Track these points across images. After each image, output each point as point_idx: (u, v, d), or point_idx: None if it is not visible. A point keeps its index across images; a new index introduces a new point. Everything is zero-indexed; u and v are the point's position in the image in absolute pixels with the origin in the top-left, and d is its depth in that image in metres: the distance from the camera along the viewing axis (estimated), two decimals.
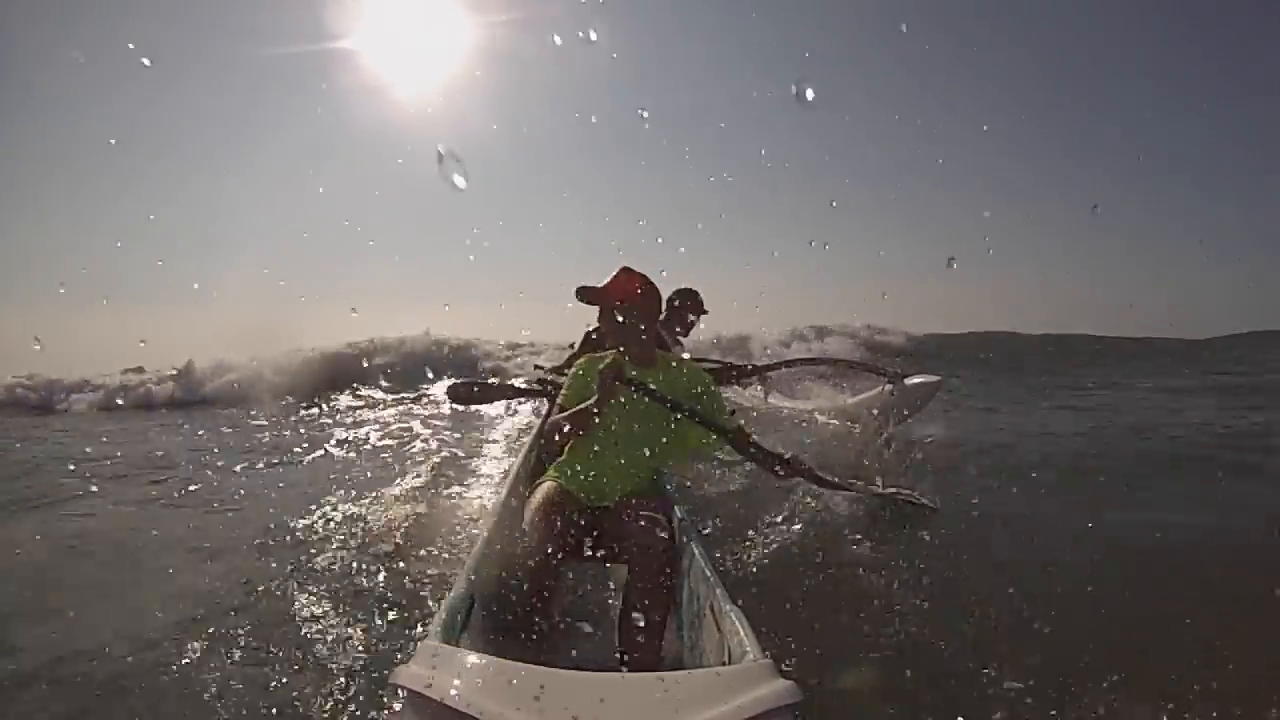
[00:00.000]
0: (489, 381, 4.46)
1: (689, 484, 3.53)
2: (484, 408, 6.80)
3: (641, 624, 1.62)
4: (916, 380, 4.89)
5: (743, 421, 2.10)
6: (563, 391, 2.12)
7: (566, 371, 5.63)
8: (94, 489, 4.29)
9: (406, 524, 3.15)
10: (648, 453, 2.02)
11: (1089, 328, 14.83)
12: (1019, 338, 14.00)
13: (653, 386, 1.97)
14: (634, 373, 1.99)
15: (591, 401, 1.94)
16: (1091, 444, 4.87)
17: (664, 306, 3.92)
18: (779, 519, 2.97)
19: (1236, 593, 2.29)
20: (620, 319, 2.02)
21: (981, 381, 8.95)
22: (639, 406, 1.98)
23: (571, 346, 5.48)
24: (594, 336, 3.99)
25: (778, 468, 2.03)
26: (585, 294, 2.03)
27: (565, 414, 2.01)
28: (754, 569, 2.50)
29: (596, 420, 1.95)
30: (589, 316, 2.25)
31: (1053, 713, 1.66)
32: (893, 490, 2.97)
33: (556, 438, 2.04)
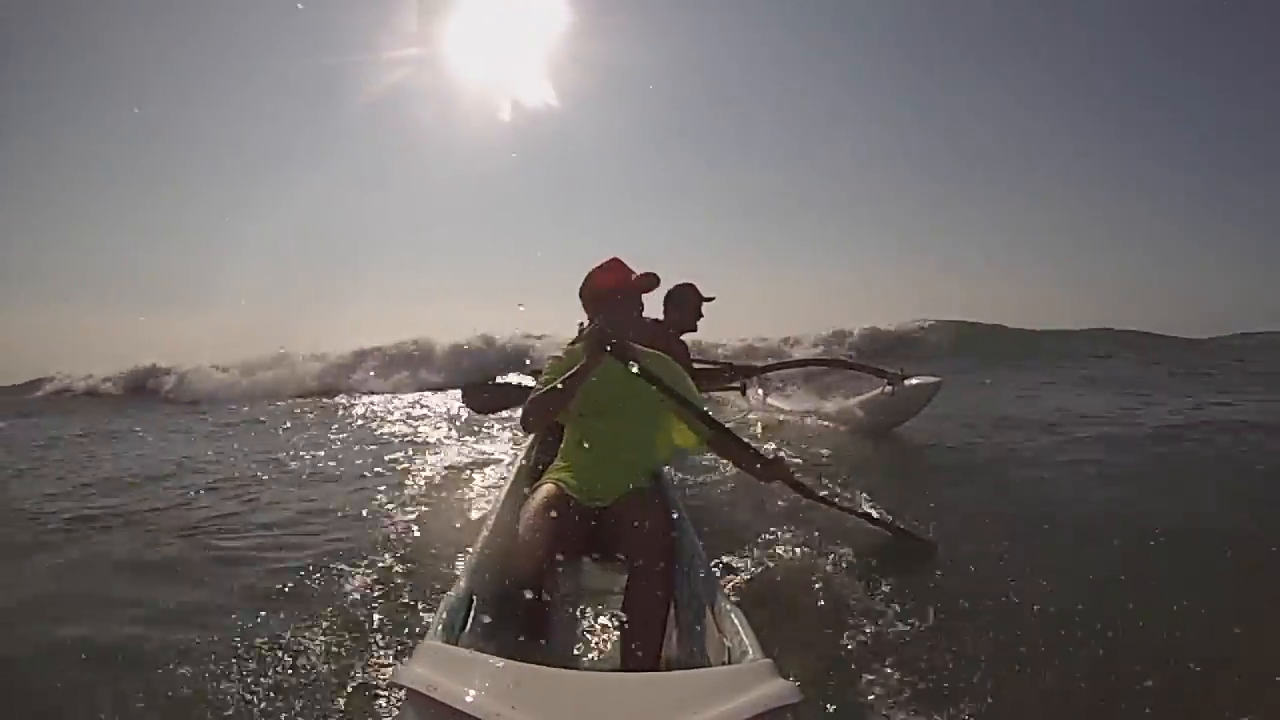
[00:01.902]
0: (507, 382, 4.29)
1: (689, 484, 3.53)
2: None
3: (641, 624, 1.62)
4: (915, 381, 4.90)
5: (727, 423, 2.04)
6: (542, 375, 2.05)
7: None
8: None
9: (408, 523, 3.16)
10: (644, 451, 2.01)
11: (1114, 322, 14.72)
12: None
13: (637, 366, 1.87)
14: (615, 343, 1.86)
15: (580, 367, 1.84)
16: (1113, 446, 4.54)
17: (663, 304, 3.92)
18: (780, 519, 2.97)
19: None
20: (613, 314, 1.95)
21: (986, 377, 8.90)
22: (623, 400, 1.94)
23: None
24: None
25: (758, 466, 1.92)
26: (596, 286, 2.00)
27: (546, 388, 1.91)
28: (754, 570, 2.50)
29: (581, 382, 1.85)
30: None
31: None
32: (887, 520, 2.74)
33: (536, 415, 1.93)
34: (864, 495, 3.21)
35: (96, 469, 5.15)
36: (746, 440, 2.04)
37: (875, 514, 2.78)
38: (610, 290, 2.00)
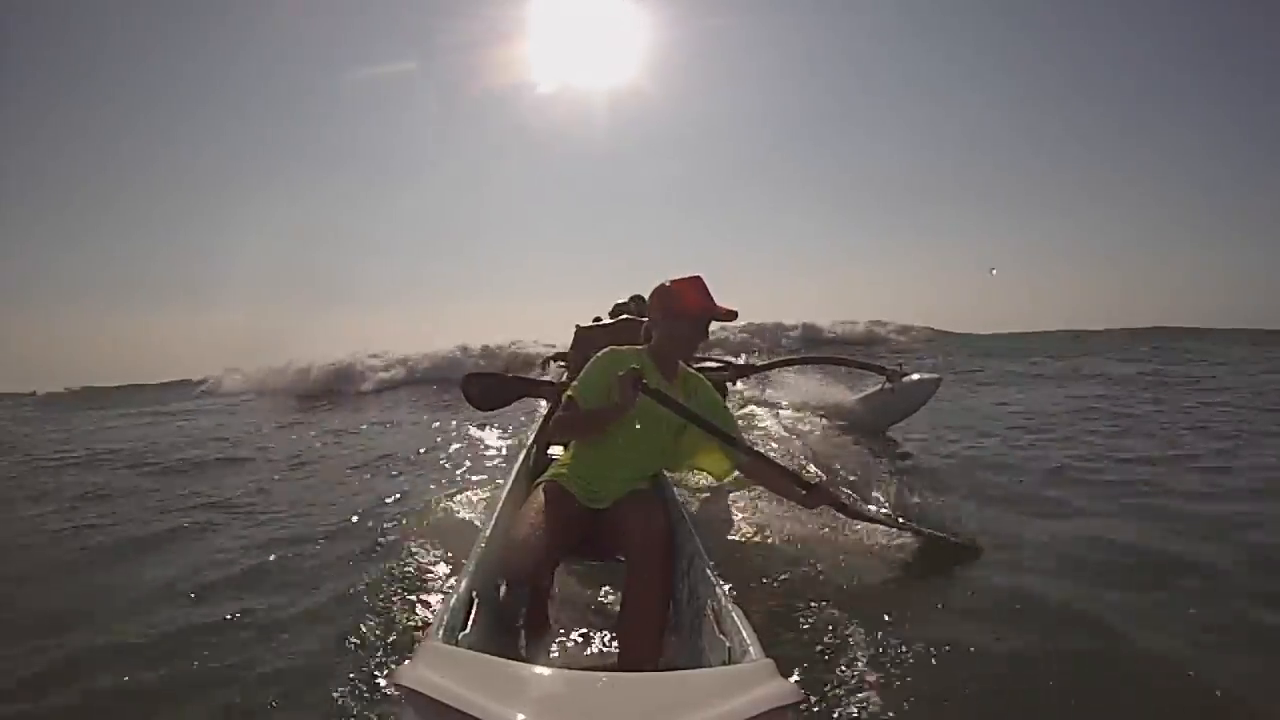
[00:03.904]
0: (510, 375, 4.15)
1: (689, 484, 3.52)
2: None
3: (640, 623, 1.62)
4: (915, 378, 4.90)
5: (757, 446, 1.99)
6: (575, 382, 1.99)
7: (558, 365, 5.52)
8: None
9: (409, 522, 3.16)
10: (651, 460, 2.00)
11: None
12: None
13: (675, 398, 1.87)
14: (655, 384, 1.87)
15: (613, 407, 1.82)
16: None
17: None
18: (781, 519, 2.97)
19: None
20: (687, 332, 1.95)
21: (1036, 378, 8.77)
22: (648, 415, 1.90)
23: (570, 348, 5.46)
24: (587, 332, 3.92)
25: (802, 492, 1.89)
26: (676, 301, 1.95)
27: (583, 414, 1.90)
28: (754, 570, 2.50)
29: (602, 429, 1.87)
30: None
31: None
32: (929, 531, 2.61)
33: (563, 433, 1.95)
34: (883, 498, 3.14)
35: None
36: (786, 465, 2.00)
37: (919, 526, 2.63)
38: (691, 314, 1.94)
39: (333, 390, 11.87)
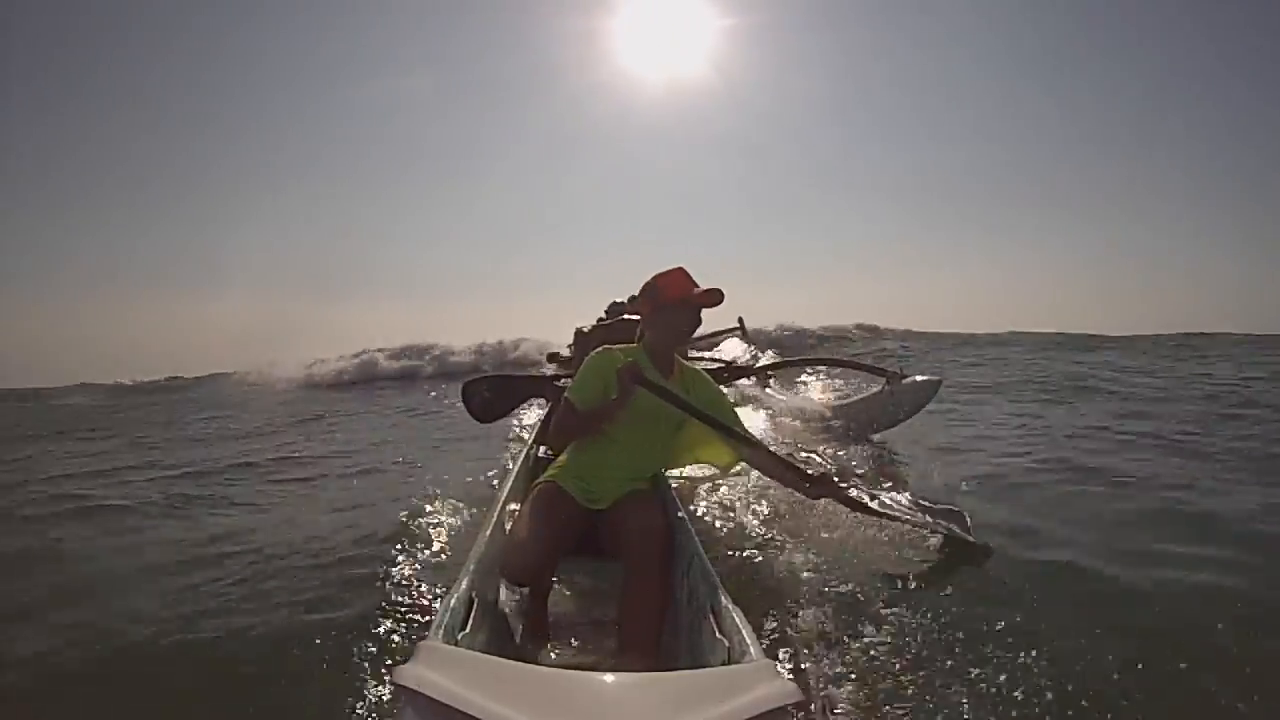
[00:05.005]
0: (511, 376, 4.02)
1: (689, 484, 3.52)
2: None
3: (638, 623, 1.62)
4: (915, 379, 4.90)
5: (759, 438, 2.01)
6: (571, 385, 2.01)
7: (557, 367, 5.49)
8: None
9: (410, 522, 3.16)
10: (651, 459, 2.00)
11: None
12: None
13: (674, 392, 1.90)
14: (654, 378, 1.90)
15: (612, 401, 1.86)
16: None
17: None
18: (781, 518, 2.97)
19: None
20: (679, 324, 1.97)
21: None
22: (645, 413, 1.92)
23: (570, 348, 5.47)
24: (587, 335, 3.92)
25: (805, 484, 1.92)
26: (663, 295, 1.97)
27: (583, 412, 1.91)
28: (754, 570, 2.50)
29: (611, 421, 1.88)
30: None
31: None
32: (941, 522, 2.54)
33: (563, 434, 1.96)
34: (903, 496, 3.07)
35: None
36: (789, 458, 2.04)
37: (923, 519, 2.58)
38: (673, 301, 1.96)
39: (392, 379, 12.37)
